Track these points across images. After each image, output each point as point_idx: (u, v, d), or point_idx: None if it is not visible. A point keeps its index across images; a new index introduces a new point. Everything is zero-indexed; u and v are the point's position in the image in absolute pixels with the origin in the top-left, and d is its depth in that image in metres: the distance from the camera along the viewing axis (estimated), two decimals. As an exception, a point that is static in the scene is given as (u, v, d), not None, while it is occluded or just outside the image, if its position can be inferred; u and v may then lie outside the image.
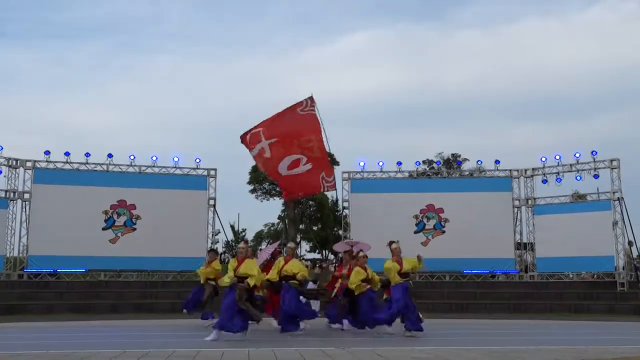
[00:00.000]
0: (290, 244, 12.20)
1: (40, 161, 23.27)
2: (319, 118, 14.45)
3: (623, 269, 22.72)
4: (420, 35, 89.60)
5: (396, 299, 11.40)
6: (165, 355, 7.62)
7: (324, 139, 14.53)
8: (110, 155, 23.80)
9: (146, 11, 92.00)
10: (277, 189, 35.82)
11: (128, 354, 7.80)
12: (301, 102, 14.48)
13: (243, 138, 14.72)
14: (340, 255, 14.90)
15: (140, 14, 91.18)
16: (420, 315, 14.18)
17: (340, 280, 13.07)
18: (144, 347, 8.61)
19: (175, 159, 24.43)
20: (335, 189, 15.26)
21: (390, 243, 11.78)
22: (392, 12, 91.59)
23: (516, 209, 25.04)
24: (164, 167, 24.38)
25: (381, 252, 14.91)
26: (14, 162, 23.09)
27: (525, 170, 25.14)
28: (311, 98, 14.47)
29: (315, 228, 41.71)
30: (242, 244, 11.05)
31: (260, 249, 12.74)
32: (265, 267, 12.55)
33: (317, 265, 19.70)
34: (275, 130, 14.25)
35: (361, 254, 13.06)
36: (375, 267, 17.69)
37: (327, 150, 14.78)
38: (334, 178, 14.81)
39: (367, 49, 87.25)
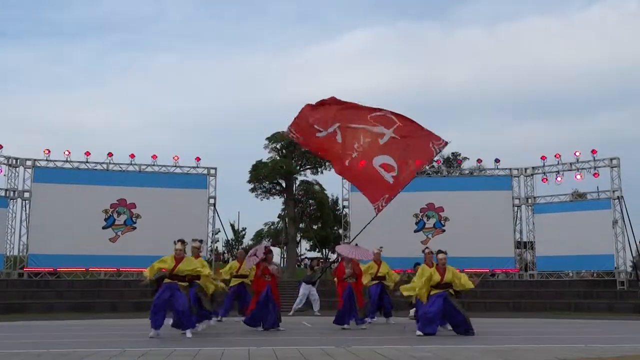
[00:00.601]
0: (194, 243, 11.79)
1: (40, 160, 23.29)
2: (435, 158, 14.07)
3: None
4: (420, 34, 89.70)
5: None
6: (165, 354, 7.62)
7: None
8: (110, 154, 23.84)
9: (146, 9, 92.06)
10: (277, 187, 35.82)
11: (128, 352, 7.80)
12: (440, 138, 13.92)
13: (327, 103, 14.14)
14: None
15: (141, 12, 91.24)
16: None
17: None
18: (144, 346, 8.61)
19: (175, 158, 24.46)
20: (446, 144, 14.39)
21: (438, 252, 11.46)
22: (393, 11, 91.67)
23: (516, 208, 25.06)
24: (164, 165, 24.41)
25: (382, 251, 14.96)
26: (14, 160, 23.10)
27: (525, 169, 25.15)
28: (446, 142, 14.02)
29: (315, 227, 41.70)
30: (178, 245, 10.76)
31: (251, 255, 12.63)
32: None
33: (309, 265, 19.77)
34: (406, 134, 13.90)
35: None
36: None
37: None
38: (385, 206, 14.45)
39: (368, 48, 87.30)
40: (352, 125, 13.75)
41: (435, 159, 24.03)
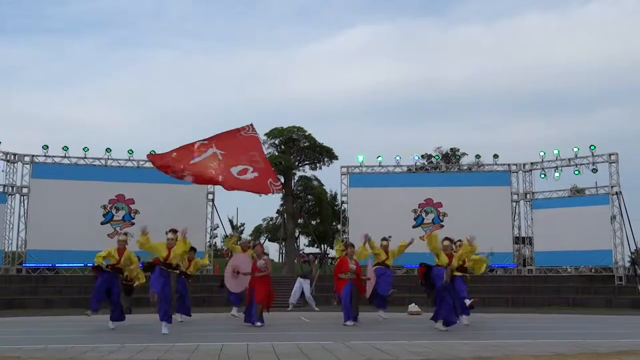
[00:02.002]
0: (120, 236, 12.57)
1: (38, 156, 23.27)
2: (260, 139, 17.18)
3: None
4: (420, 30, 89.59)
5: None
6: (164, 349, 7.65)
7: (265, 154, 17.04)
8: (108, 150, 23.82)
9: (146, 5, 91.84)
10: (277, 184, 35.80)
11: (127, 348, 7.82)
12: (243, 127, 16.39)
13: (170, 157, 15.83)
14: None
15: (140, 8, 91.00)
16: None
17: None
18: (142, 342, 8.64)
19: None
20: (283, 191, 18.14)
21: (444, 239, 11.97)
22: (393, 7, 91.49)
23: (514, 203, 25.09)
24: (163, 161, 24.34)
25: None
26: (12, 156, 23.08)
27: (524, 165, 25.18)
28: (251, 125, 16.39)
29: (313, 223, 41.72)
30: (170, 234, 11.48)
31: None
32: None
33: (304, 260, 19.76)
34: (224, 144, 16.12)
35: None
36: (373, 262, 17.72)
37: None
38: (280, 182, 17.14)
39: (367, 44, 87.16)
40: (192, 161, 15.76)
41: (434, 154, 24.19)
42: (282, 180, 35.42)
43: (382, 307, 14.21)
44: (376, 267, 14.09)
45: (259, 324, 12.03)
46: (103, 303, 12.03)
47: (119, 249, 12.12)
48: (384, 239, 14.55)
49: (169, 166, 15.60)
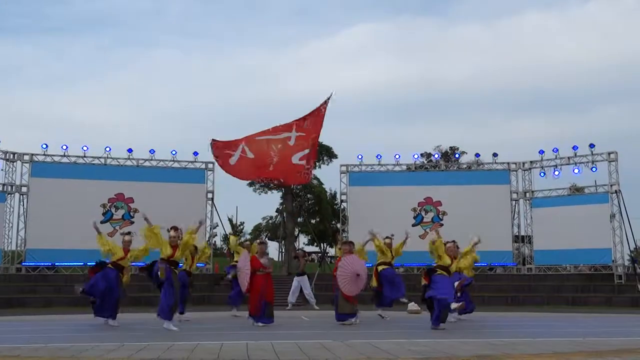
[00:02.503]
0: (126, 237, 12.96)
1: (38, 154, 23.25)
2: (327, 107, 17.01)
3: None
4: (420, 29, 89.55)
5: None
6: (163, 348, 7.63)
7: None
8: (108, 149, 23.80)
9: (146, 5, 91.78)
10: (275, 181, 35.78)
11: (127, 347, 7.80)
12: (326, 101, 16.75)
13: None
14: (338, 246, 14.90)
15: (140, 7, 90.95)
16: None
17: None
18: (142, 340, 8.62)
19: (173, 153, 24.42)
20: (309, 181, 18.09)
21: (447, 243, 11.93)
22: (393, 6, 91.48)
23: (514, 202, 25.09)
24: (162, 160, 24.38)
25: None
26: (12, 155, 23.06)
27: (523, 163, 25.17)
28: (329, 98, 16.58)
29: (313, 221, 41.69)
30: (172, 232, 11.54)
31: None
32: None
33: (294, 256, 19.76)
34: (305, 126, 15.71)
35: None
36: (373, 260, 17.75)
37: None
38: (311, 167, 16.78)
39: (367, 43, 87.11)
40: (257, 137, 15.92)
41: (434, 152, 24.31)
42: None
43: (386, 306, 14.22)
44: (383, 268, 14.13)
45: (271, 323, 11.92)
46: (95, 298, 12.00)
47: (124, 249, 12.10)
48: (387, 237, 14.54)
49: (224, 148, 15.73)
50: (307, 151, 16.14)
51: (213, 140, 19.58)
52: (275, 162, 15.83)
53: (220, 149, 18.51)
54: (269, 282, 12.21)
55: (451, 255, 11.78)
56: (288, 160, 16.24)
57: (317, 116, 16.94)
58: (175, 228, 11.52)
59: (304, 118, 16.77)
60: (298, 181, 17.59)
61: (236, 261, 14.82)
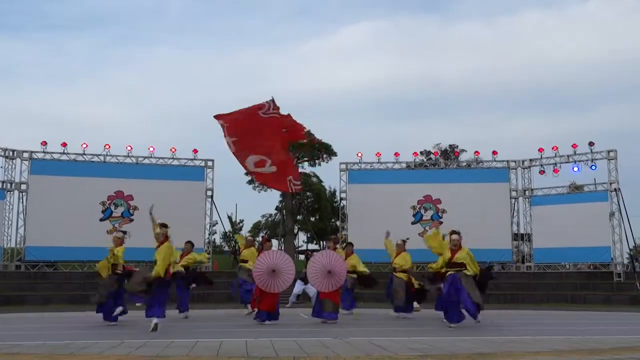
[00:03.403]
0: (117, 233, 12.55)
1: (37, 152, 23.23)
2: (280, 120, 14.49)
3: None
4: (420, 27, 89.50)
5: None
6: (163, 345, 7.63)
7: (287, 143, 14.74)
8: (107, 146, 23.77)
9: (146, 2, 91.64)
10: (297, 182, 35.79)
11: (126, 344, 7.81)
12: (262, 104, 14.49)
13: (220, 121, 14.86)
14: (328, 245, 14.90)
15: (141, 5, 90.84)
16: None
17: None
18: (141, 338, 8.62)
19: (173, 150, 24.39)
20: (302, 191, 16.14)
21: (452, 233, 11.62)
22: (393, 4, 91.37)
23: (513, 200, 25.08)
24: (162, 158, 24.37)
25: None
26: (11, 152, 23.03)
27: (523, 161, 25.16)
28: (272, 101, 14.43)
29: (313, 219, 41.73)
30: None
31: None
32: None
33: (306, 255, 19.63)
34: (237, 129, 14.32)
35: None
36: (373, 258, 17.78)
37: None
38: (301, 180, 15.04)
39: (367, 41, 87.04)
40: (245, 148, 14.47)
41: (433, 150, 24.16)
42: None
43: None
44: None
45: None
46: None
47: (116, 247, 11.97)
48: (402, 240, 14.40)
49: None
50: (262, 158, 14.46)
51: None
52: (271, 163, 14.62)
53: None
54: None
55: (453, 248, 11.55)
56: (248, 168, 14.80)
57: (257, 119, 14.93)
58: (163, 225, 11.04)
59: (234, 119, 14.80)
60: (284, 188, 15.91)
61: (243, 260, 14.85)
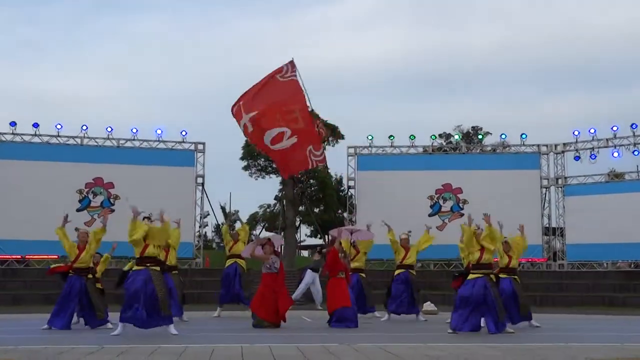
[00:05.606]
0: (81, 229, 12.83)
1: (5, 134, 23.28)
2: (301, 84, 14.39)
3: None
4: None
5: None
6: (148, 351, 7.69)
7: (309, 106, 14.54)
8: (84, 127, 23.80)
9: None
10: (274, 165, 35.82)
11: (106, 349, 7.87)
12: (281, 67, 14.50)
13: (233, 110, 14.80)
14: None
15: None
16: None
17: None
18: (123, 343, 8.69)
19: (159, 132, 24.42)
20: (325, 164, 15.76)
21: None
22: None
23: (544, 190, 25.08)
24: (146, 140, 24.40)
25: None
26: (-24, 134, 23.08)
27: (556, 146, 25.11)
28: (291, 62, 14.48)
29: (316, 210, 41.74)
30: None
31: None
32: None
33: (318, 251, 19.79)
34: (255, 102, 14.25)
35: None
36: (384, 254, 17.85)
37: (313, 120, 14.87)
38: (324, 151, 14.67)
39: (379, 8, 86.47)
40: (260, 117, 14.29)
41: (454, 133, 24.00)
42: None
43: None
44: (397, 273, 14.36)
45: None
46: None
47: (79, 246, 11.94)
48: (404, 233, 14.58)
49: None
50: (280, 130, 14.31)
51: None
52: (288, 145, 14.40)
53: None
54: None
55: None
56: (269, 150, 14.65)
57: (276, 85, 14.79)
58: (148, 218, 11.06)
59: (252, 94, 14.69)
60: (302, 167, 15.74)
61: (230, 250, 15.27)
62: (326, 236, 46.79)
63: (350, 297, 12.59)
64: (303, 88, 14.25)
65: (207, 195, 24.60)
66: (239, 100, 14.51)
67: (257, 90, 14.43)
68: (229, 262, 15.53)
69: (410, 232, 14.74)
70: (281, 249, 16.21)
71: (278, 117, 14.05)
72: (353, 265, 14.59)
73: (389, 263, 21.51)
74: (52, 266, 12.87)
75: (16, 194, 22.68)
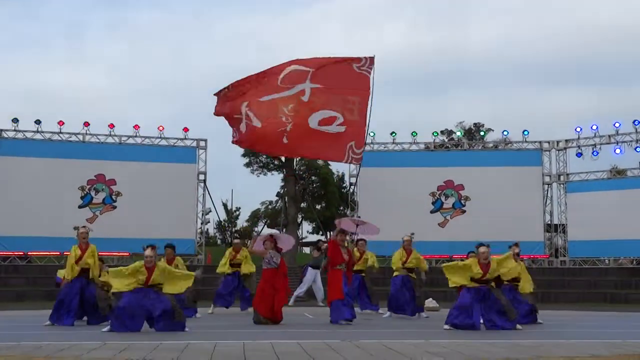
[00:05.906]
0: (81, 229, 12.25)
1: (7, 130, 23.30)
2: (371, 83, 14.37)
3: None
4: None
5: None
6: (149, 347, 7.68)
7: (369, 107, 14.38)
8: (87, 124, 23.81)
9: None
10: (275, 162, 35.82)
11: (109, 345, 7.86)
12: (360, 58, 14.46)
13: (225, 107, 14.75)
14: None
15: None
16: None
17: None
18: (125, 339, 8.68)
19: (161, 129, 24.43)
20: (360, 164, 15.40)
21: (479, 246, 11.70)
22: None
23: (546, 186, 25.06)
24: (148, 137, 24.42)
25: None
26: (-23, 131, 23.10)
27: (558, 142, 25.10)
28: (372, 58, 14.42)
29: (318, 207, 41.78)
30: (147, 251, 10.43)
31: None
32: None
33: (317, 248, 19.78)
34: (324, 77, 14.17)
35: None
36: (385, 251, 17.85)
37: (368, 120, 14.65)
38: (362, 152, 14.48)
39: (380, 4, 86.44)
40: (262, 99, 14.01)
41: (456, 129, 23.96)
42: (283, 159, 35.48)
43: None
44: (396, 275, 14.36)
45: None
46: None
47: (80, 246, 11.82)
48: (407, 235, 14.47)
49: (227, 108, 14.22)
50: (333, 114, 14.12)
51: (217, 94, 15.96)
52: (289, 131, 14.14)
53: (227, 110, 15.23)
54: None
55: (482, 263, 11.18)
56: (304, 126, 14.28)
57: (350, 72, 14.71)
58: (152, 247, 10.43)
59: (323, 66, 14.60)
60: (330, 156, 15.57)
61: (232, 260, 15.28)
62: (328, 232, 46.91)
63: (343, 289, 12.47)
64: (372, 87, 14.25)
65: (209, 191, 24.66)
66: (300, 63, 14.33)
67: (328, 66, 14.35)
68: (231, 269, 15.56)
69: (413, 234, 14.63)
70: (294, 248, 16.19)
71: (338, 100, 14.02)
72: (354, 268, 14.52)
73: (389, 260, 21.47)
74: (61, 278, 12.80)
75: (18, 190, 22.70)
